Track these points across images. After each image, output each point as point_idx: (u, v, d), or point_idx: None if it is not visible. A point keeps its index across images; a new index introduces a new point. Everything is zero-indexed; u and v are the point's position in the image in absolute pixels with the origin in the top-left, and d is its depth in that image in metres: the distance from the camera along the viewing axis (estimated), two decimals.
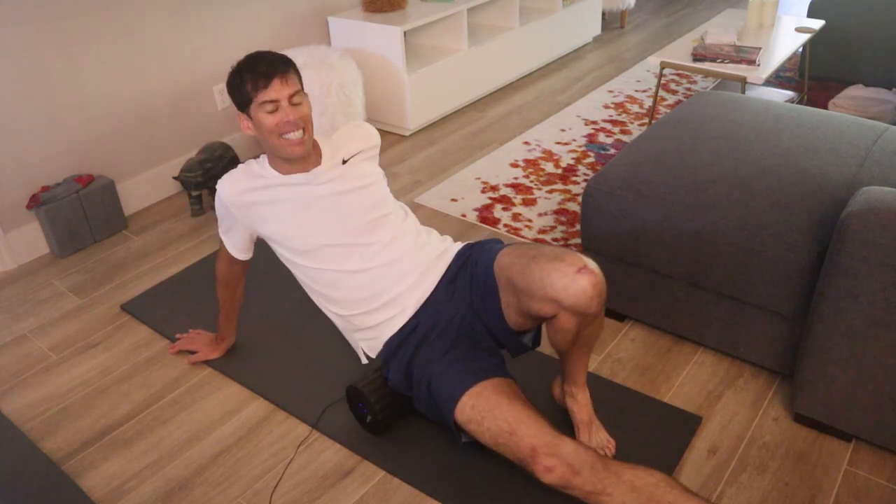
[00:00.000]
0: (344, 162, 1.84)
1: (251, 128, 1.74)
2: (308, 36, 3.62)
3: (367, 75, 3.62)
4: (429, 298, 1.80)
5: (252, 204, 1.80)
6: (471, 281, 1.76)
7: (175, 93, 3.11)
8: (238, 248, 1.94)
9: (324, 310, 1.90)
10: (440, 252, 1.85)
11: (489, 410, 1.55)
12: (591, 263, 1.51)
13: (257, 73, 1.66)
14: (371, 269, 1.78)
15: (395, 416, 1.86)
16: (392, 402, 1.84)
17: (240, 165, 1.85)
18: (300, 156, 1.74)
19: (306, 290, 1.91)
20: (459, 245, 1.89)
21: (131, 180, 3.05)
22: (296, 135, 1.70)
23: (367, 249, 1.78)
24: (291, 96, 1.68)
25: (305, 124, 1.71)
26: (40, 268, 2.74)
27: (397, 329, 1.78)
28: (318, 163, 1.81)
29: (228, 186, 1.81)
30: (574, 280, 1.47)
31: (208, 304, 2.43)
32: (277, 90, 1.66)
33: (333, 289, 1.80)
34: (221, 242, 1.96)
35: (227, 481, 1.81)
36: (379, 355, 1.84)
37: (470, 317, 1.75)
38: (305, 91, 1.80)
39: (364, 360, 1.91)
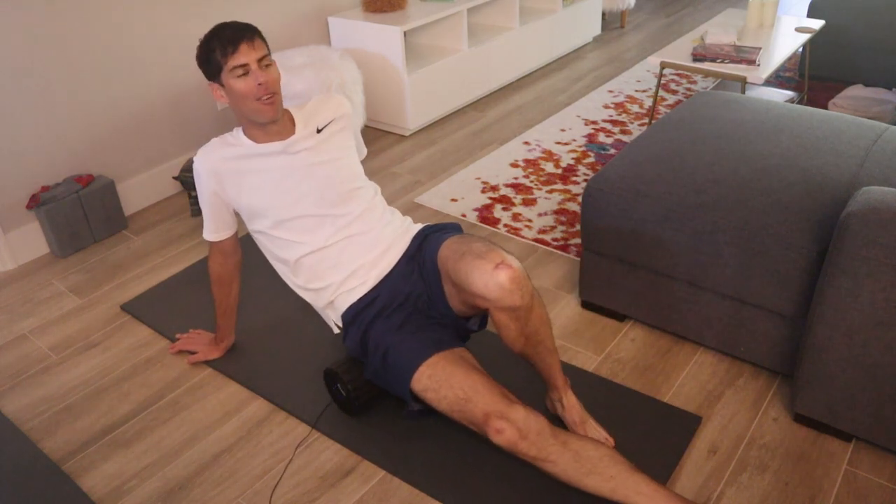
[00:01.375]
0: (318, 131, 1.89)
1: (224, 97, 1.78)
2: (308, 36, 3.62)
3: (367, 75, 3.62)
4: (389, 273, 1.86)
5: (228, 173, 1.84)
6: (422, 266, 1.82)
7: (175, 93, 3.11)
8: (217, 228, 1.95)
9: (293, 287, 1.94)
10: (403, 231, 1.92)
11: (445, 379, 1.63)
12: (510, 258, 1.57)
13: (224, 38, 1.71)
14: (341, 240, 1.84)
15: (369, 393, 1.90)
16: (365, 380, 1.89)
17: (213, 139, 1.89)
18: (272, 118, 1.78)
19: (275, 265, 1.95)
20: (419, 226, 1.95)
21: (131, 180, 3.05)
22: (267, 97, 1.75)
23: (338, 220, 1.85)
24: (260, 59, 1.73)
25: (276, 88, 1.77)
26: (40, 268, 2.74)
27: (357, 298, 1.84)
28: (292, 132, 1.86)
29: (205, 156, 1.85)
30: (492, 276, 1.53)
31: (208, 304, 2.43)
32: (246, 54, 1.71)
33: (303, 259, 1.85)
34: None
35: (226, 481, 1.81)
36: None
37: (425, 295, 1.81)
38: (273, 59, 1.88)
39: (336, 331, 1.96)
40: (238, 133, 1.87)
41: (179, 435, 1.95)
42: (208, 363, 2.18)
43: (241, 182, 1.84)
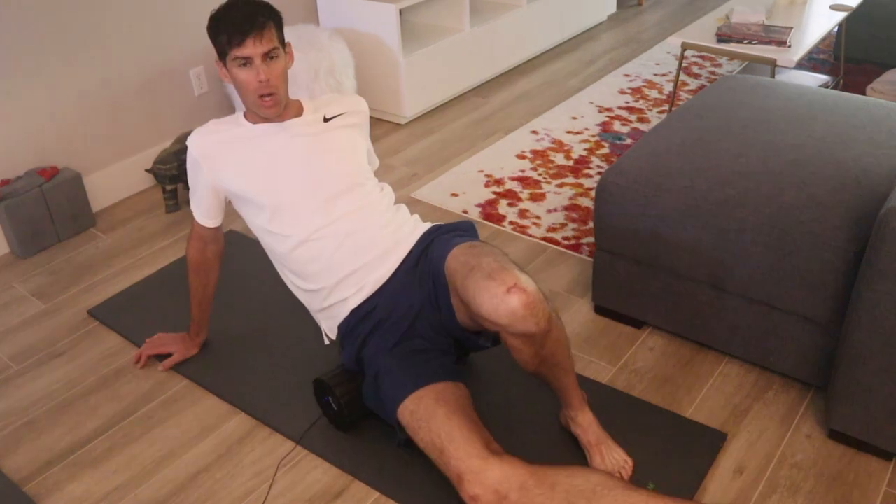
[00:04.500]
0: (326, 120, 1.92)
1: (228, 78, 1.84)
2: (294, 14, 3.62)
3: (358, 58, 3.62)
4: (388, 281, 1.86)
5: (220, 155, 1.89)
6: (427, 274, 1.82)
7: (148, 77, 3.11)
8: (206, 213, 2.00)
9: (290, 287, 1.99)
10: (407, 233, 1.91)
11: (426, 421, 1.64)
12: (524, 280, 1.53)
13: (232, 26, 1.74)
14: (330, 235, 1.84)
15: (363, 408, 1.91)
16: (359, 394, 1.90)
17: (211, 119, 1.96)
18: (273, 116, 1.84)
19: (274, 263, 2.00)
20: (427, 226, 1.94)
21: (100, 173, 3.05)
22: (267, 95, 1.80)
23: (330, 213, 1.85)
24: (266, 54, 1.76)
25: (278, 84, 1.80)
26: None
27: (353, 308, 1.85)
28: (297, 115, 1.91)
29: (199, 138, 1.91)
30: (503, 300, 1.49)
31: (184, 309, 2.43)
32: (251, 48, 1.74)
33: (293, 253, 1.87)
34: (193, 219, 2.03)
35: None
36: (337, 336, 1.93)
37: (428, 309, 1.81)
38: (288, 41, 1.90)
39: (326, 341, 1.99)
40: (238, 115, 1.93)
41: (153, 453, 1.95)
42: (184, 373, 2.18)
43: (232, 163, 1.88)
